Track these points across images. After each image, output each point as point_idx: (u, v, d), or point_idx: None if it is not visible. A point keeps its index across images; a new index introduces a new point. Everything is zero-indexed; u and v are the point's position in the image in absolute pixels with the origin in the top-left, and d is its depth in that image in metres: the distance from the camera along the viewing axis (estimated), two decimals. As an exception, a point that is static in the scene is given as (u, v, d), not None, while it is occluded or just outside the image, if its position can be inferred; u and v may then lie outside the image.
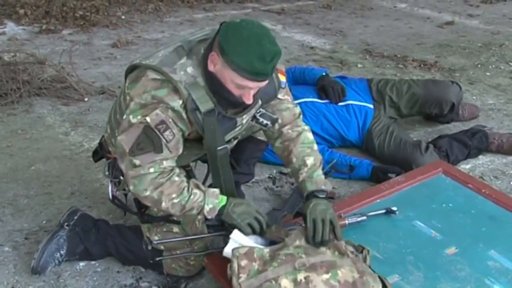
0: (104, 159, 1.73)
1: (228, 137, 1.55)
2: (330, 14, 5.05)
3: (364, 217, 1.65)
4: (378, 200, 1.79)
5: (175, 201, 1.43)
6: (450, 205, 1.77)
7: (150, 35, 4.22)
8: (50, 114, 2.78)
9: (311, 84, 2.49)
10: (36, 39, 3.99)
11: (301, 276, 1.32)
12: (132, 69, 1.49)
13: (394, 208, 1.71)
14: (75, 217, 1.71)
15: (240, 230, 1.45)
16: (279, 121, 1.62)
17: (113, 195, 1.69)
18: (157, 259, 1.57)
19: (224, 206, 1.48)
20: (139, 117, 1.38)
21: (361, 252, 1.44)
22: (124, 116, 1.42)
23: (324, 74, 2.49)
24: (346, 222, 1.62)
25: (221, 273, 1.44)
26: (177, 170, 1.47)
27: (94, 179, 2.17)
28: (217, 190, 1.49)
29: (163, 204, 1.43)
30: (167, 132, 1.39)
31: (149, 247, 1.47)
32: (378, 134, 2.34)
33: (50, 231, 1.70)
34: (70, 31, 4.21)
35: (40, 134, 2.58)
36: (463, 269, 1.49)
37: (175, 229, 1.60)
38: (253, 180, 2.14)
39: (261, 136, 1.82)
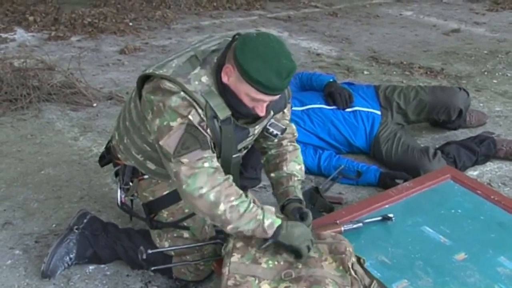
0: (111, 164, 1.73)
1: (239, 146, 1.56)
2: (336, 21, 5.07)
3: (360, 224, 1.64)
4: (387, 206, 1.79)
5: (234, 203, 1.35)
6: (459, 211, 1.77)
7: (157, 41, 4.25)
8: (59, 119, 2.81)
9: (319, 90, 2.50)
10: (45, 45, 4.03)
11: (281, 287, 1.33)
12: (145, 78, 1.46)
13: (391, 215, 1.69)
14: (85, 220, 1.72)
15: (297, 252, 1.41)
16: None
17: (121, 201, 1.69)
18: (152, 268, 1.57)
19: (280, 226, 1.41)
20: (178, 119, 1.36)
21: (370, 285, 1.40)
22: (165, 123, 1.36)
23: (331, 80, 2.50)
24: (342, 228, 1.60)
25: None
26: (231, 177, 1.43)
27: (103, 184, 2.18)
28: (272, 208, 1.45)
29: (221, 206, 1.34)
30: (208, 130, 1.38)
31: (144, 256, 1.46)
32: (385, 140, 2.34)
33: (60, 234, 1.72)
34: (79, 38, 4.25)
35: (49, 139, 2.60)
36: (473, 275, 1.49)
37: (185, 234, 1.59)
38: (260, 185, 2.15)
39: None
